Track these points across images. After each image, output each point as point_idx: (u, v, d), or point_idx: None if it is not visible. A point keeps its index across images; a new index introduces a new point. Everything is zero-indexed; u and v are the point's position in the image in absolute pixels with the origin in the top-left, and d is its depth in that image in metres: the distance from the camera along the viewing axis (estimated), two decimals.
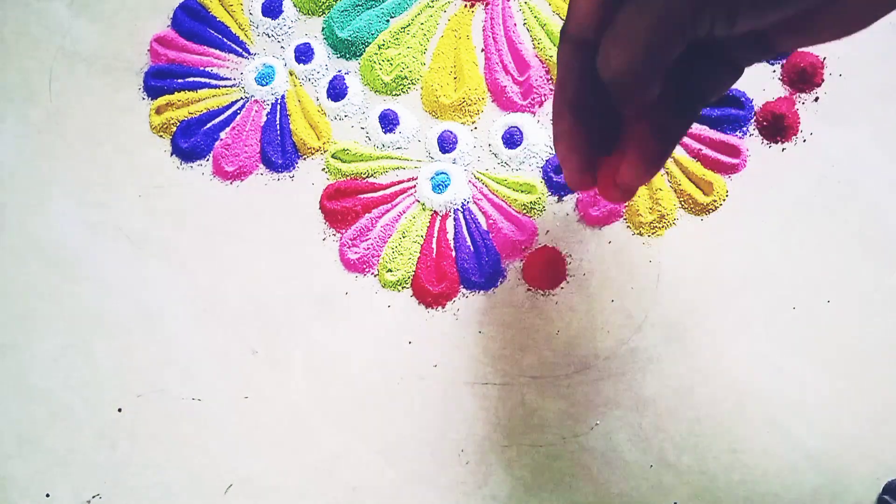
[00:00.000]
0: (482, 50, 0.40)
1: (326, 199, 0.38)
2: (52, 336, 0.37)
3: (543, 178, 0.38)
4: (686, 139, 0.37)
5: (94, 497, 0.35)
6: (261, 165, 0.39)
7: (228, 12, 0.42)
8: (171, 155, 0.40)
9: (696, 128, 0.38)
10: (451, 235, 0.37)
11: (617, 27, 0.25)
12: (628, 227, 0.37)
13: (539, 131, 0.38)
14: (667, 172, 0.37)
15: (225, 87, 0.41)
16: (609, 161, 0.29)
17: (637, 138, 0.28)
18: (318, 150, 0.39)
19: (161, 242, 0.38)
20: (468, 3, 0.41)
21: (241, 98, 0.41)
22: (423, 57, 0.40)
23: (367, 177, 0.38)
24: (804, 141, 0.37)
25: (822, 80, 0.38)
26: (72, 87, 0.41)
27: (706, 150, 0.37)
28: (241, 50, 0.42)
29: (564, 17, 0.27)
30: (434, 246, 0.37)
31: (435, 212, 0.38)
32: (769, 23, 0.24)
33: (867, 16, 0.25)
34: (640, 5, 0.24)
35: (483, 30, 0.41)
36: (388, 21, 0.41)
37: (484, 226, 0.37)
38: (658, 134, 0.28)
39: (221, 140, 0.40)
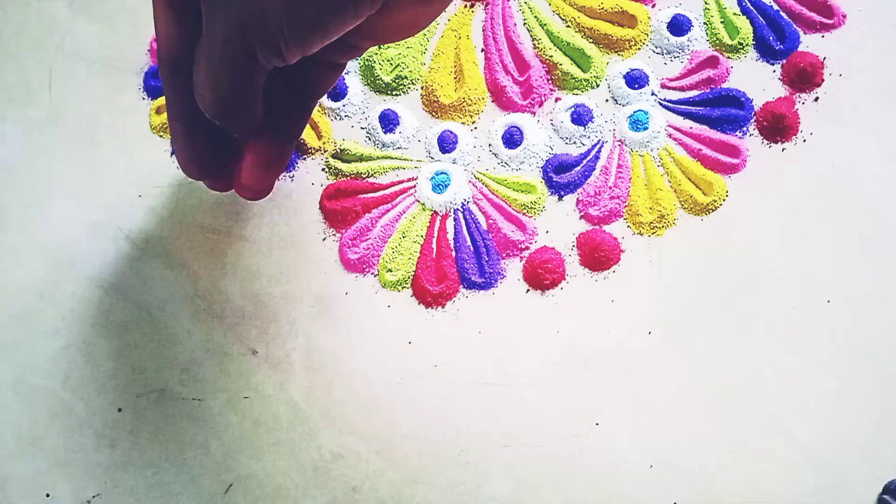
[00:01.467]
0: (482, 50, 0.40)
1: (326, 199, 0.38)
2: (52, 336, 0.37)
3: (543, 178, 0.38)
4: (686, 139, 0.37)
5: (94, 497, 0.34)
6: None
7: None
8: (172, 155, 0.40)
9: (696, 128, 0.38)
10: (451, 235, 0.37)
11: (196, 73, 0.27)
12: (628, 226, 0.37)
13: (539, 131, 0.38)
14: (667, 172, 0.37)
15: None
16: (239, 164, 0.31)
17: (255, 145, 0.30)
18: (318, 150, 0.39)
19: (161, 242, 0.38)
20: (468, 3, 0.41)
21: None
22: (423, 57, 0.40)
23: (367, 177, 0.38)
24: (804, 141, 0.37)
25: (822, 80, 0.38)
26: (72, 87, 0.41)
27: (706, 150, 0.37)
28: None
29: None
30: (434, 246, 0.37)
31: (435, 212, 0.38)
32: (320, 49, 0.26)
33: (408, 29, 0.28)
34: (205, 54, 0.26)
35: (483, 30, 0.41)
36: None
37: (484, 226, 0.37)
38: (274, 135, 0.30)
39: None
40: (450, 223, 0.37)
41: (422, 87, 0.40)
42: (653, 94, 0.38)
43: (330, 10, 0.24)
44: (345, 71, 0.41)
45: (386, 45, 0.40)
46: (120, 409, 0.36)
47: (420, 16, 0.27)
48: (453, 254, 0.37)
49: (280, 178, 0.39)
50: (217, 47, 0.26)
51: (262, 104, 0.29)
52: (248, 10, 0.24)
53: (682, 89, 0.38)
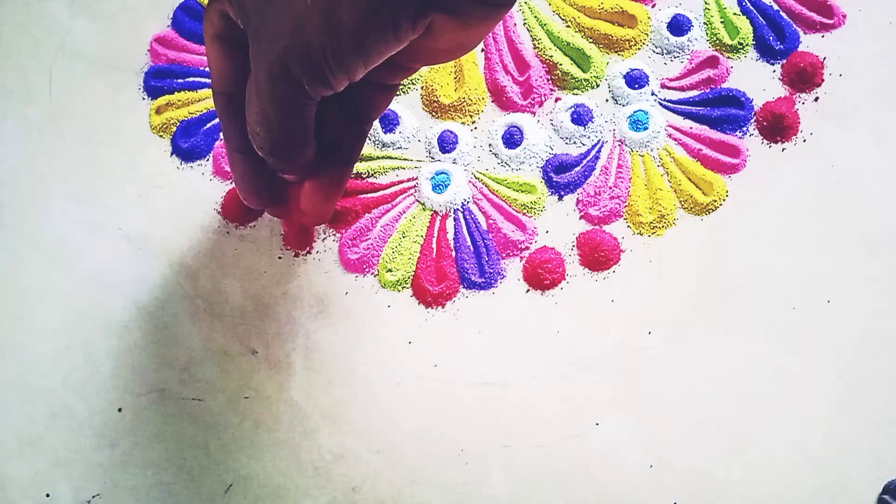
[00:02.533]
0: (482, 50, 0.40)
1: None
2: (53, 336, 0.37)
3: (543, 178, 0.38)
4: (686, 139, 0.38)
5: (94, 497, 0.34)
6: None
7: None
8: (171, 155, 0.40)
9: (696, 128, 0.38)
10: (451, 235, 0.37)
11: (249, 112, 0.27)
12: (628, 226, 0.37)
13: (539, 131, 0.38)
14: (667, 172, 0.37)
15: None
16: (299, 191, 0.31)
17: (316, 174, 0.30)
18: None
19: (161, 242, 0.38)
20: None
21: None
22: None
23: (367, 177, 0.38)
24: (804, 141, 0.37)
25: (822, 80, 0.38)
26: (72, 87, 0.41)
27: (706, 150, 0.37)
28: None
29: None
30: (434, 246, 0.37)
31: (435, 212, 0.38)
32: (365, 73, 0.26)
33: (456, 51, 0.28)
34: (255, 93, 0.26)
35: None
36: None
37: (484, 226, 0.37)
38: (330, 158, 0.30)
39: (221, 140, 0.40)
40: (450, 223, 0.37)
41: (422, 87, 0.40)
42: (653, 94, 0.38)
43: (371, 36, 0.24)
44: None
45: None
46: (120, 409, 0.36)
47: (465, 38, 0.27)
48: (453, 254, 0.37)
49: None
50: (264, 86, 0.25)
51: (316, 134, 0.28)
52: (291, 46, 0.24)
53: (682, 89, 0.38)
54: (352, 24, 0.23)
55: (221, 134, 0.30)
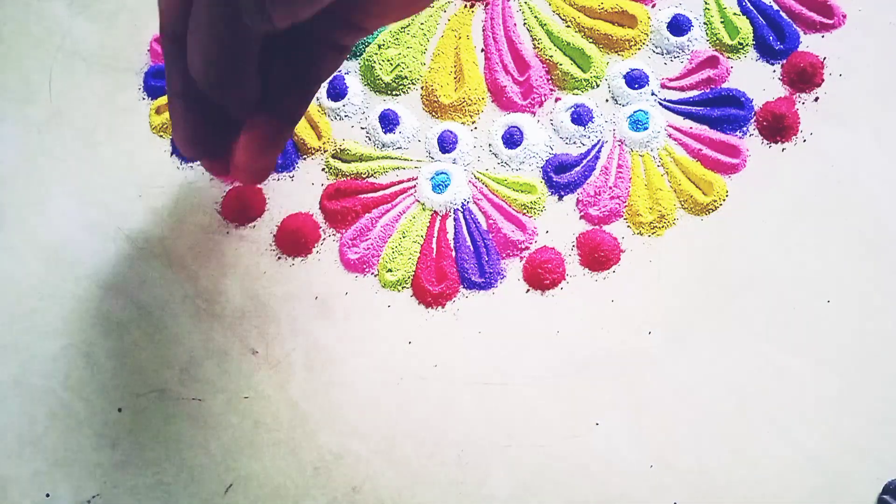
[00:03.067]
0: (482, 50, 0.40)
1: (326, 199, 0.38)
2: (52, 336, 0.37)
3: (543, 178, 0.38)
4: (686, 139, 0.37)
5: (93, 497, 0.34)
6: None
7: None
8: (172, 155, 0.40)
9: (696, 128, 0.38)
10: (451, 235, 0.37)
11: (189, 41, 0.26)
12: (628, 226, 0.37)
13: (539, 131, 0.38)
14: (667, 172, 0.37)
15: None
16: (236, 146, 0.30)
17: (252, 124, 0.29)
18: (317, 150, 0.39)
19: (161, 242, 0.38)
20: (468, 3, 0.41)
21: None
22: (423, 57, 0.40)
23: (367, 177, 0.38)
24: (804, 141, 0.37)
25: (822, 80, 0.38)
26: (71, 87, 0.41)
27: (706, 150, 0.37)
28: None
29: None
30: (434, 246, 0.37)
31: (435, 212, 0.38)
32: (308, 14, 0.25)
33: (409, 5, 0.27)
34: (194, 20, 0.25)
35: (483, 30, 0.41)
36: None
37: (484, 226, 0.37)
38: (273, 116, 0.29)
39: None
40: (450, 223, 0.37)
41: (422, 87, 0.40)
42: (653, 94, 0.38)
43: None
44: (345, 71, 0.41)
45: (386, 45, 0.40)
46: (120, 409, 0.36)
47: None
48: (453, 254, 0.37)
49: (280, 177, 0.39)
50: (204, 14, 0.25)
51: (259, 81, 0.28)
52: None
53: (682, 89, 0.38)
54: None
55: (166, 83, 0.30)
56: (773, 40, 0.38)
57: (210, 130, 0.30)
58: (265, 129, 0.29)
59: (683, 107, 0.38)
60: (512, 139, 0.38)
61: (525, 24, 0.40)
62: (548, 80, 0.39)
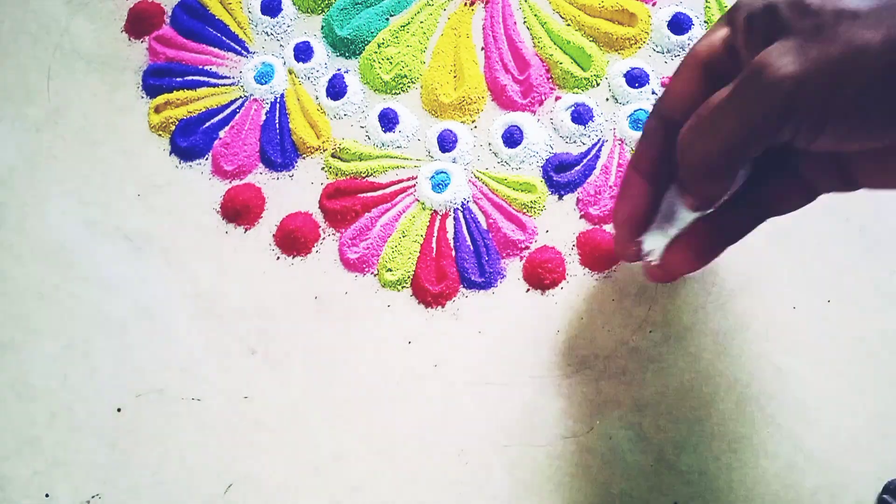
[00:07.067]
0: (482, 48, 0.40)
1: (326, 198, 0.38)
2: (52, 336, 0.37)
3: (543, 178, 0.38)
4: None
5: (93, 497, 0.35)
6: (260, 164, 0.39)
7: (227, 10, 0.42)
8: (170, 154, 0.40)
9: None
10: (450, 235, 0.37)
11: (703, 119, 0.25)
12: None
13: (539, 130, 0.38)
14: None
15: (224, 85, 0.41)
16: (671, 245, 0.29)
17: (693, 229, 0.28)
18: (317, 149, 0.39)
19: (160, 242, 0.38)
20: (468, 2, 0.41)
21: (241, 97, 0.41)
22: (423, 55, 0.40)
23: (366, 176, 0.38)
24: None
25: None
26: (70, 86, 0.41)
27: None
28: (240, 48, 0.42)
29: (661, 95, 0.27)
30: (434, 245, 0.37)
31: (435, 211, 0.38)
32: (853, 149, 0.24)
33: None
34: (731, 103, 0.24)
35: (483, 28, 0.40)
36: (387, 19, 0.41)
37: (484, 225, 0.37)
38: (714, 229, 0.28)
39: (220, 139, 0.40)
40: (450, 222, 0.37)
41: (421, 86, 0.40)
42: (653, 92, 0.38)
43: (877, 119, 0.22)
44: (344, 70, 0.40)
45: (386, 44, 0.40)
46: (120, 409, 0.36)
47: None
48: (453, 253, 0.37)
49: (279, 176, 0.39)
50: (749, 91, 0.23)
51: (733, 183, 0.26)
52: (829, 79, 0.22)
53: None
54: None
55: (634, 150, 0.29)
56: None
57: (650, 216, 0.29)
58: (701, 239, 0.28)
59: None
60: (512, 138, 0.38)
61: (525, 22, 0.40)
62: (548, 78, 0.39)
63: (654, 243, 0.29)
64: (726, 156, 0.25)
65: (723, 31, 0.26)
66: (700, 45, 0.26)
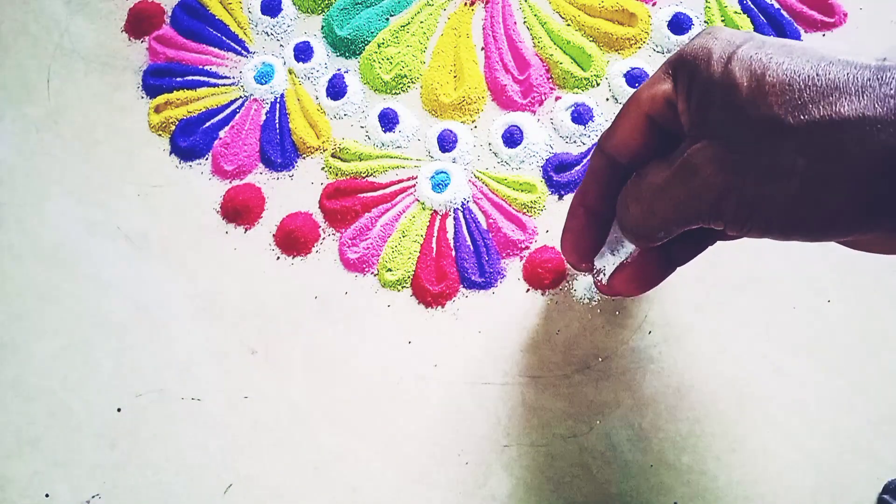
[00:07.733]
0: (482, 48, 0.40)
1: (326, 198, 0.38)
2: (52, 336, 0.37)
3: (543, 178, 0.38)
4: None
5: (93, 497, 0.34)
6: (260, 164, 0.39)
7: (227, 10, 0.42)
8: (170, 154, 0.40)
9: None
10: (450, 235, 0.37)
11: (640, 195, 0.25)
12: None
13: (539, 130, 0.38)
14: None
15: (224, 85, 0.41)
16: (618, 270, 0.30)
17: (638, 258, 0.29)
18: (317, 149, 0.39)
19: (160, 242, 0.38)
20: (468, 2, 0.41)
21: (241, 97, 0.41)
22: (423, 55, 0.40)
23: (366, 176, 0.38)
24: None
25: None
26: (70, 86, 0.41)
27: None
28: (240, 48, 0.42)
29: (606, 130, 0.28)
30: (434, 245, 0.37)
31: (435, 211, 0.38)
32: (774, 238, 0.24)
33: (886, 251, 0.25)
34: (665, 193, 0.25)
35: (483, 28, 0.40)
36: (387, 19, 0.41)
37: (484, 225, 0.37)
38: (658, 258, 0.29)
39: (220, 139, 0.40)
40: (450, 222, 0.37)
41: (421, 86, 0.40)
42: None
43: (837, 230, 0.22)
44: (344, 70, 0.40)
45: (386, 44, 0.40)
46: (120, 410, 0.36)
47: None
48: (453, 253, 0.37)
49: (279, 176, 0.39)
50: (680, 189, 0.24)
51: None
52: (755, 192, 0.22)
53: None
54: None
55: (580, 187, 0.29)
56: None
57: (595, 246, 0.30)
58: (652, 267, 0.29)
59: None
60: (512, 138, 0.38)
61: (525, 22, 0.40)
62: (548, 78, 0.39)
63: (604, 263, 0.30)
64: (660, 229, 0.25)
65: (665, 87, 0.25)
66: (643, 95, 0.26)
